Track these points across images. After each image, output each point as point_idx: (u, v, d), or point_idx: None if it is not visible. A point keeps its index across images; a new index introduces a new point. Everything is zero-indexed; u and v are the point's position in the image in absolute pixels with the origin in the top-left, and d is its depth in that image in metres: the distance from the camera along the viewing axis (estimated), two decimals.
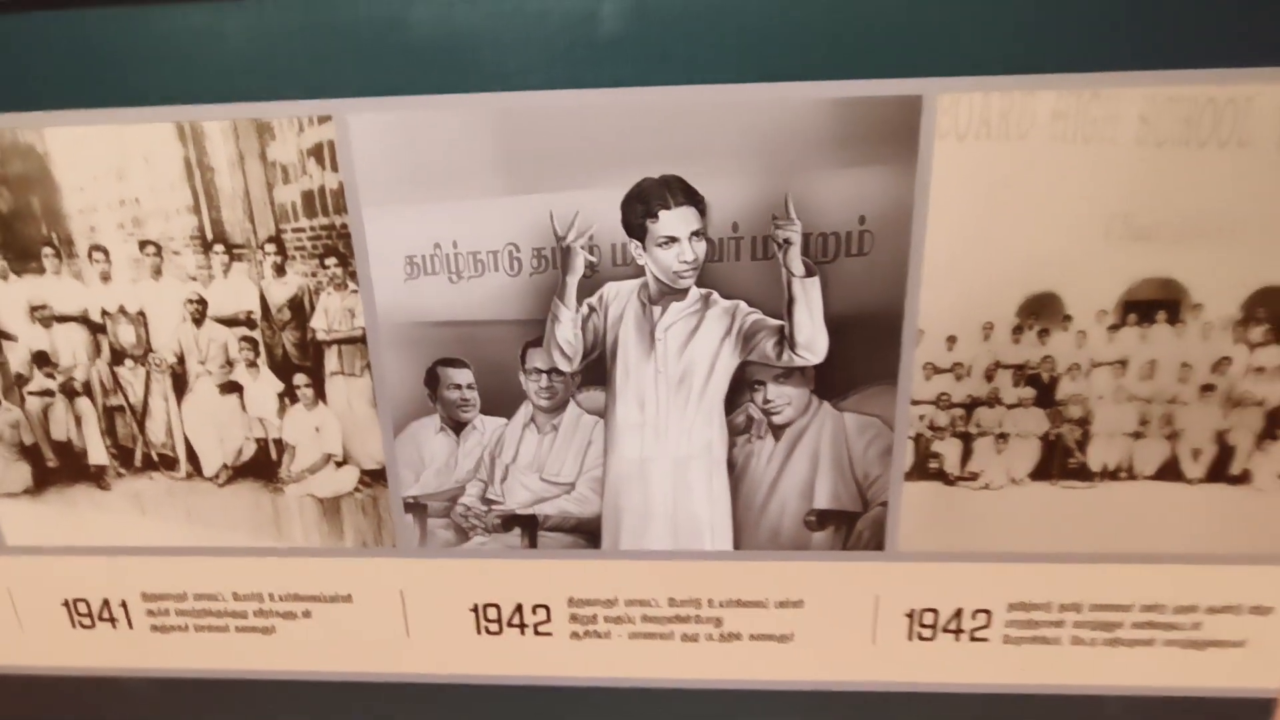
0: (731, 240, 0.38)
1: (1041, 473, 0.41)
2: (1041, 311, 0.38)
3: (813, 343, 0.39)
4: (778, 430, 0.41)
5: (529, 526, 0.44)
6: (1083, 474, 0.41)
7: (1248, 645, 0.44)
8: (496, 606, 0.46)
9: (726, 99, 0.36)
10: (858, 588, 0.44)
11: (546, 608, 0.45)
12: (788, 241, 0.37)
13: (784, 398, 0.40)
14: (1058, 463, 0.41)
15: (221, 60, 0.37)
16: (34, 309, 0.42)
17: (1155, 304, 0.38)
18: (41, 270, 0.41)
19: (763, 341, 0.39)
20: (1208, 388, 0.39)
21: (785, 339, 0.39)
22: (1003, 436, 0.41)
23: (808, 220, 0.37)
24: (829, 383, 0.40)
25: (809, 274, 0.38)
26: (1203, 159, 0.35)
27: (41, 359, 0.43)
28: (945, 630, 0.44)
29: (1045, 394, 0.40)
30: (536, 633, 0.46)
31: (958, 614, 0.44)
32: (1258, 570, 0.42)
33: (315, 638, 0.47)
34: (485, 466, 0.43)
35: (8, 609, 0.49)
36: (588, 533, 0.44)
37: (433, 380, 0.41)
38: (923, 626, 0.44)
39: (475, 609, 0.46)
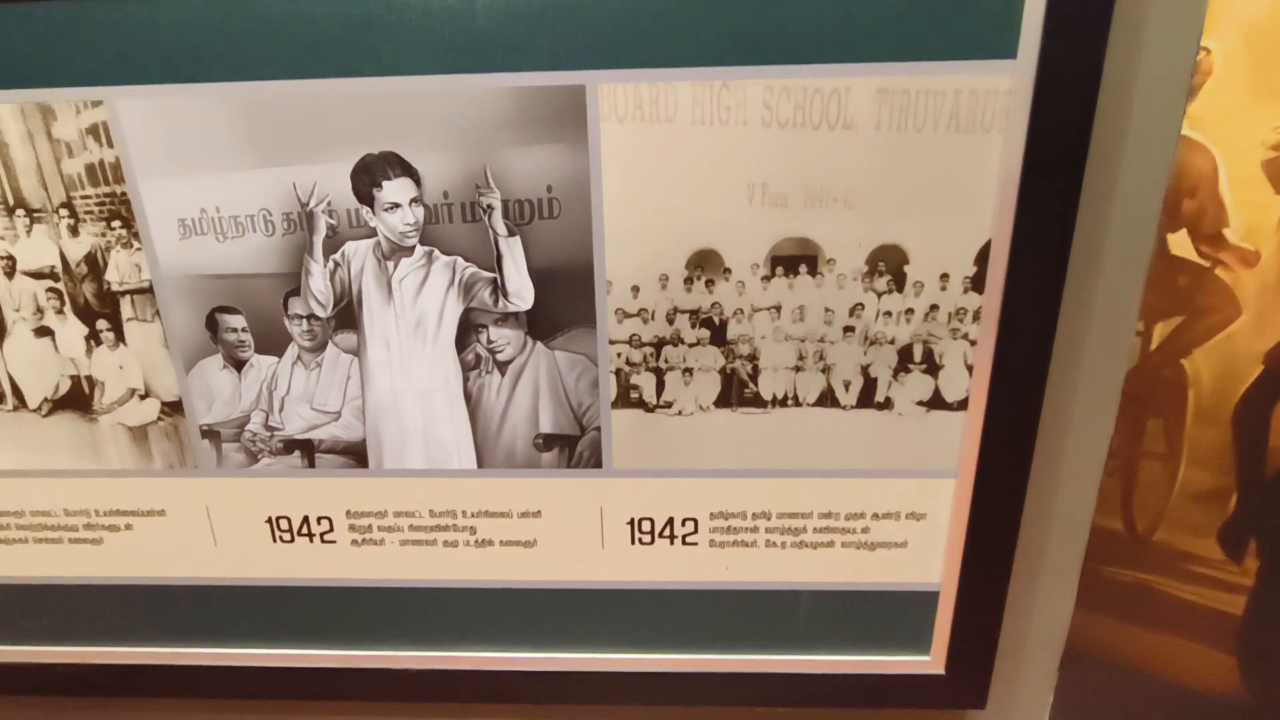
0: (444, 206, 0.45)
1: (724, 401, 0.49)
2: (706, 265, 0.46)
3: (521, 291, 0.47)
4: (502, 366, 0.49)
5: (307, 449, 0.52)
6: (757, 402, 0.49)
7: (909, 546, 0.52)
8: (287, 519, 0.54)
9: (429, 88, 0.43)
10: (584, 500, 0.52)
11: (329, 519, 0.53)
12: (490, 207, 0.45)
13: (504, 339, 0.48)
14: (736, 393, 0.49)
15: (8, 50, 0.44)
16: None
17: (797, 259, 0.46)
18: None
19: (480, 291, 0.47)
20: (848, 329, 0.47)
21: (498, 289, 0.47)
22: (688, 371, 0.49)
23: (505, 188, 0.45)
24: (540, 326, 0.48)
25: (510, 234, 0.45)
26: (818, 139, 0.43)
27: None
28: (661, 536, 0.53)
29: (718, 335, 0.48)
30: (322, 541, 0.54)
31: (670, 522, 0.52)
32: (913, 483, 0.51)
33: (137, 546, 0.55)
34: (264, 398, 0.51)
35: None
36: (356, 454, 0.52)
37: (212, 325, 0.49)
38: (642, 533, 0.53)
39: (270, 520, 0.54)
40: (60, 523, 0.55)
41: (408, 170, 0.45)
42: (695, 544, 0.53)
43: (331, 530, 0.54)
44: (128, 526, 0.55)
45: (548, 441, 0.51)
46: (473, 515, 0.53)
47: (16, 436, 0.53)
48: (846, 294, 0.46)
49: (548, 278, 0.47)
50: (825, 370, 0.48)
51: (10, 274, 0.49)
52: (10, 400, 0.52)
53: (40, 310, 0.49)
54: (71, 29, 0.44)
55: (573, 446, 0.51)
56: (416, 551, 0.54)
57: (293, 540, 0.54)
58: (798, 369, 0.48)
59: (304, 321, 0.49)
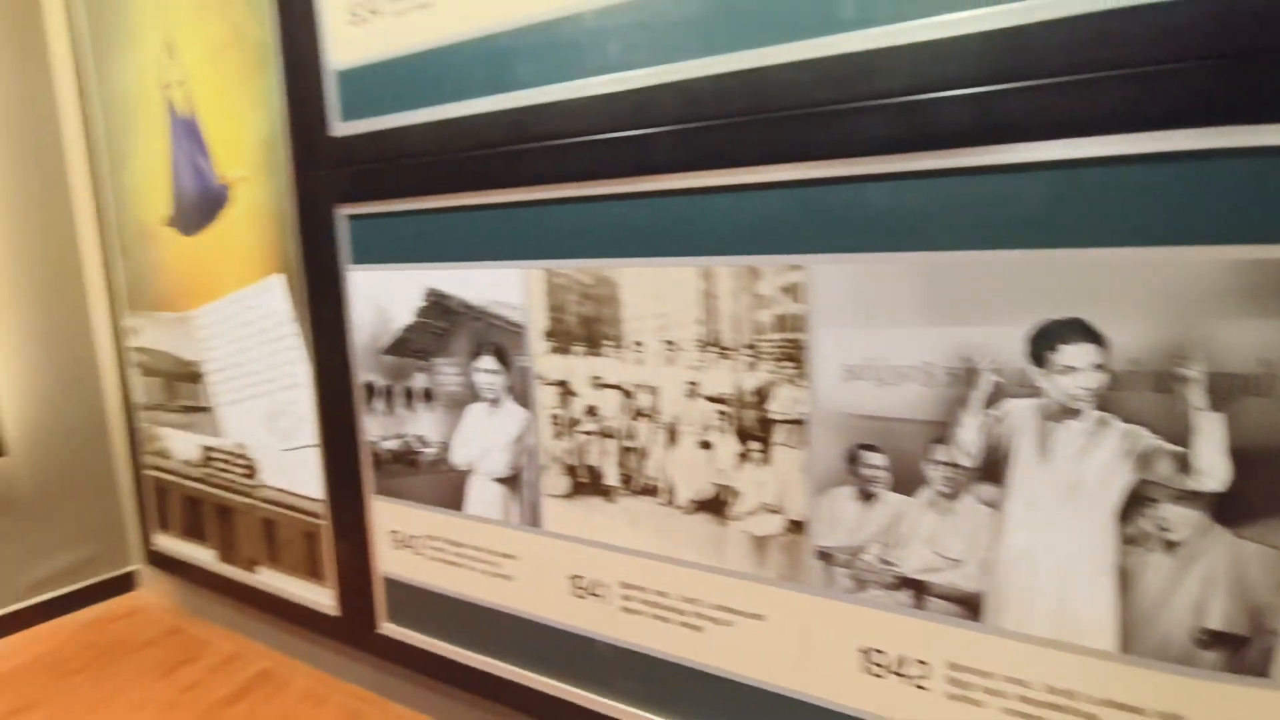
0: (1130, 374, 0.44)
1: None
2: None
3: (1213, 471, 0.43)
4: (1171, 546, 0.45)
5: (919, 589, 0.53)
6: None
7: None
8: (883, 653, 0.55)
9: (1130, 259, 0.43)
10: (1240, 712, 0.44)
11: (928, 664, 0.54)
12: (1189, 379, 0.43)
13: (1180, 518, 0.44)
14: None
15: (734, 224, 0.56)
16: (593, 378, 0.65)
17: None
18: (602, 354, 0.64)
19: (1159, 464, 0.44)
20: None
21: (1184, 465, 0.44)
22: None
23: (1209, 361, 0.42)
24: (1230, 510, 0.43)
25: (1212, 409, 0.42)
26: None
27: (591, 411, 0.66)
28: None
29: None
30: (915, 685, 0.54)
31: None
32: None
33: (731, 643, 0.62)
34: (887, 533, 0.54)
35: (535, 571, 0.72)
36: (970, 605, 0.52)
37: (852, 458, 0.54)
38: None
39: (864, 650, 0.56)
40: (674, 605, 0.65)
41: (1092, 336, 0.45)
42: None
43: (928, 677, 0.54)
44: (729, 623, 0.62)
45: (1212, 639, 0.45)
46: (1095, 702, 0.48)
47: (660, 526, 0.64)
48: None
49: (1250, 459, 0.42)
50: None
51: (692, 396, 0.60)
52: (664, 496, 0.63)
53: (708, 428, 0.60)
54: (782, 209, 0.54)
55: (1243, 649, 0.44)
56: None
57: (883, 676, 0.56)
58: None
59: (946, 468, 0.51)
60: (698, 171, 0.57)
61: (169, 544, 1.12)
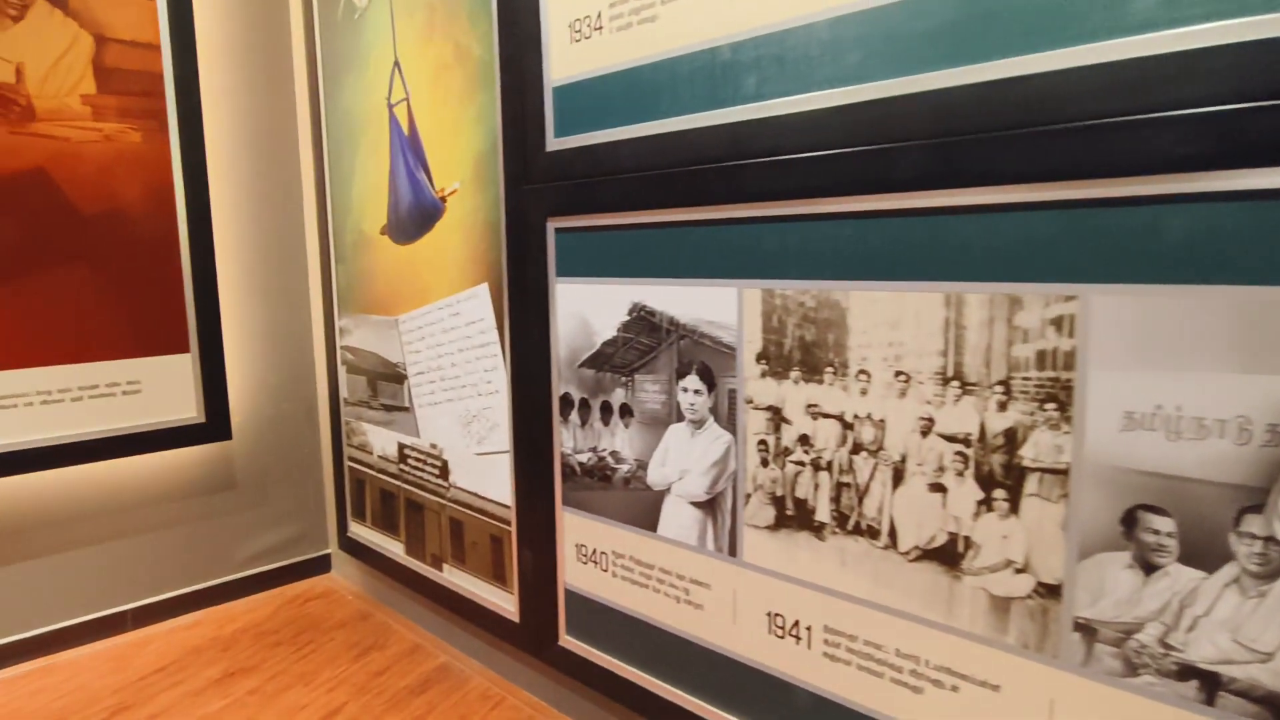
0: None
1: None
2: None
3: None
4: None
5: (1209, 683, 0.45)
6: None
7: None
8: None
9: None
10: None
11: None
12: None
13: None
14: None
15: (999, 247, 0.50)
16: (808, 406, 0.61)
17: None
18: (820, 381, 0.60)
19: None
20: None
21: None
22: None
23: None
24: None
25: None
26: None
27: (804, 440, 0.62)
28: None
29: None
30: None
31: None
32: None
33: (954, 711, 0.56)
34: (1171, 612, 0.46)
35: (729, 603, 0.69)
36: (1275, 708, 0.43)
37: (1130, 521, 0.47)
38: None
39: None
40: (887, 659, 0.59)
41: None
42: None
43: None
44: (954, 688, 0.56)
45: None
46: None
47: (877, 571, 0.59)
48: None
49: None
50: None
51: (926, 433, 0.55)
52: (884, 539, 0.58)
53: (942, 469, 0.55)
54: (1051, 232, 0.48)
55: None
56: None
57: None
58: None
59: (1260, 543, 0.43)
60: (947, 189, 0.52)
61: (362, 532, 1.20)
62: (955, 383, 0.53)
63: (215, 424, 1.15)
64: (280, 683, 0.97)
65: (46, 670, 1.01)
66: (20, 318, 0.98)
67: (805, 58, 0.58)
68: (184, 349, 1.12)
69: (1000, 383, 0.51)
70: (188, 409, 1.13)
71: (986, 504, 0.53)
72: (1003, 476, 0.52)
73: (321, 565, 1.31)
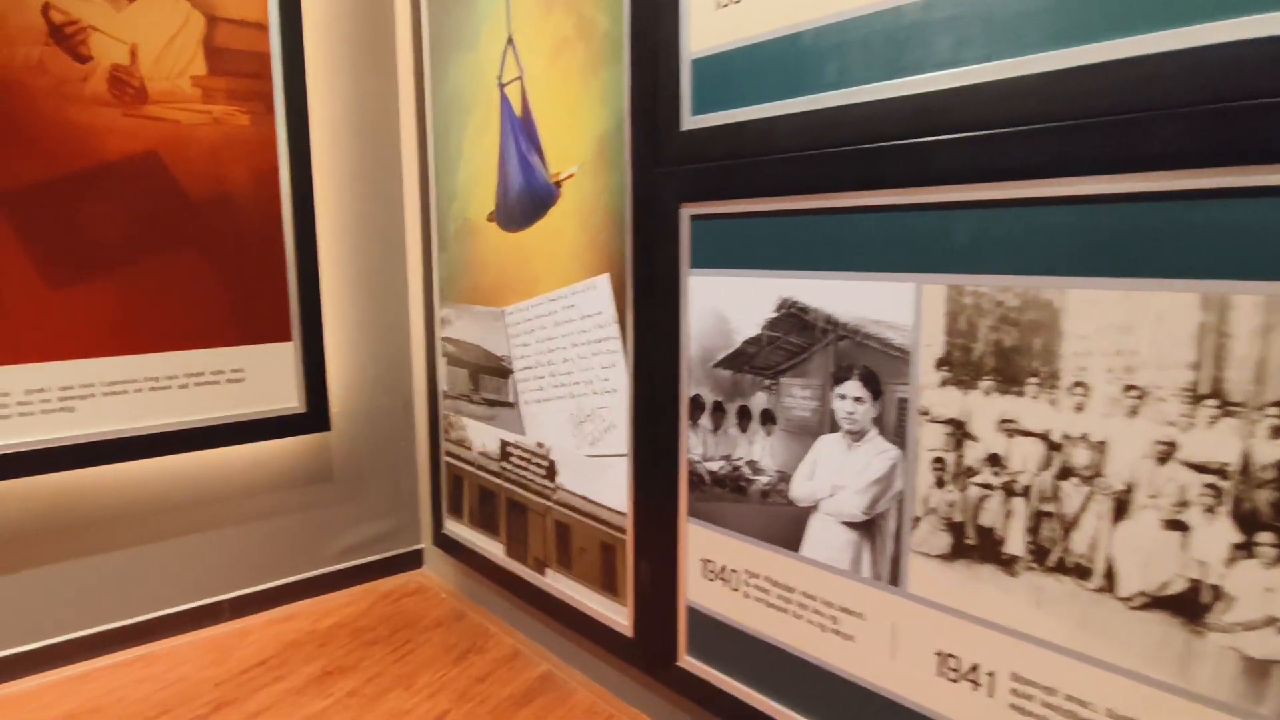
0: None
1: None
2: None
3: None
4: None
5: None
6: None
7: None
8: None
9: None
10: None
11: None
12: None
13: None
14: None
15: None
16: (1002, 421, 0.53)
17: None
18: (1020, 393, 0.52)
19: None
20: None
21: None
22: None
23: None
24: None
25: None
26: None
27: (994, 460, 0.54)
28: None
29: None
30: None
31: None
32: None
33: None
34: None
35: (887, 636, 0.62)
36: None
37: None
38: None
39: None
40: (1089, 717, 0.51)
41: None
42: None
43: None
44: None
45: None
46: None
47: (1085, 616, 0.50)
48: None
49: None
50: None
51: (1164, 460, 0.46)
52: (1098, 580, 0.50)
53: (1184, 504, 0.46)
54: None
55: None
56: None
57: None
58: None
59: None
60: (1218, 169, 0.43)
61: (458, 529, 1.16)
62: (1211, 401, 0.44)
63: (315, 414, 1.13)
64: (380, 685, 0.93)
65: (149, 659, 1.01)
66: (132, 303, 0.97)
67: (1023, 12, 0.50)
68: (286, 337, 1.10)
69: (1276, 404, 0.42)
70: (289, 399, 1.11)
71: (1246, 549, 0.44)
72: (1270, 517, 0.43)
73: (413, 561, 1.28)
